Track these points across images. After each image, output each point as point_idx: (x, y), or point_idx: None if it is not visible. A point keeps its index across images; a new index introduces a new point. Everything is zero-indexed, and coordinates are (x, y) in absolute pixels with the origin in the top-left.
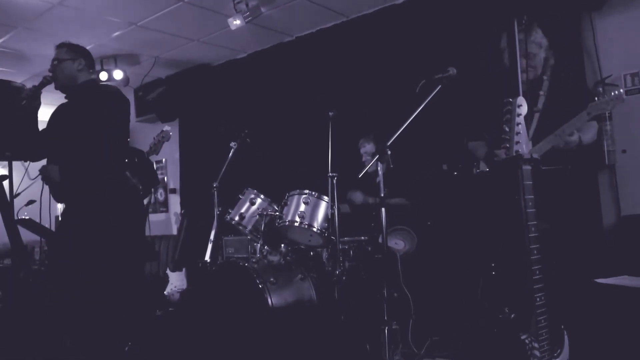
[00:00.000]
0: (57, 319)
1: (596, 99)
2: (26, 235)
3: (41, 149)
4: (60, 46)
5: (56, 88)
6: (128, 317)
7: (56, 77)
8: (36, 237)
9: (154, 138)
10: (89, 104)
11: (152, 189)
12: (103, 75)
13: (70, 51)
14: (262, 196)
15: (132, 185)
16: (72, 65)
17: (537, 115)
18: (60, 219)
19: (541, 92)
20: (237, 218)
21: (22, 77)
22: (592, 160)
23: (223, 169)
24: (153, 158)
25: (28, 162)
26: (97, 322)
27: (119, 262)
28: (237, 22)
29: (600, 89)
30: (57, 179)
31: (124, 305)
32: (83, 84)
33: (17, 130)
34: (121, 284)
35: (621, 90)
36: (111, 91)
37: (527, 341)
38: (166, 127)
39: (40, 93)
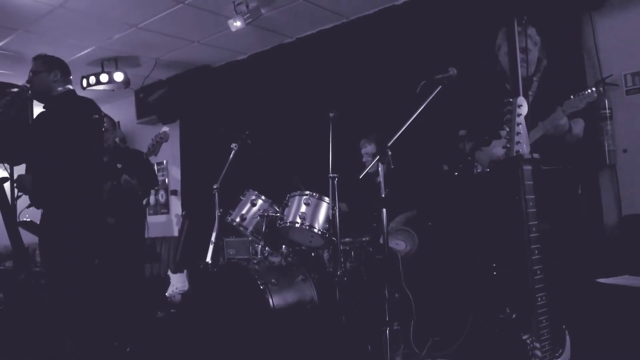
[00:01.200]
0: (57, 320)
1: (571, 97)
2: (27, 237)
3: (20, 154)
4: (36, 58)
5: (32, 98)
6: (127, 318)
7: (33, 88)
8: (37, 240)
9: (153, 139)
10: (65, 114)
11: (152, 190)
12: (103, 77)
13: (45, 63)
14: (263, 197)
15: (131, 186)
16: (47, 77)
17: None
18: (39, 223)
19: (530, 93)
20: (238, 219)
21: (22, 80)
22: (593, 160)
23: (224, 171)
24: (152, 159)
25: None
26: (97, 323)
27: (117, 263)
28: (238, 23)
29: (601, 89)
30: (29, 188)
31: (123, 306)
32: (60, 95)
33: None
34: (121, 285)
35: (593, 89)
36: (86, 102)
37: (528, 341)
38: (165, 128)
39: (15, 103)
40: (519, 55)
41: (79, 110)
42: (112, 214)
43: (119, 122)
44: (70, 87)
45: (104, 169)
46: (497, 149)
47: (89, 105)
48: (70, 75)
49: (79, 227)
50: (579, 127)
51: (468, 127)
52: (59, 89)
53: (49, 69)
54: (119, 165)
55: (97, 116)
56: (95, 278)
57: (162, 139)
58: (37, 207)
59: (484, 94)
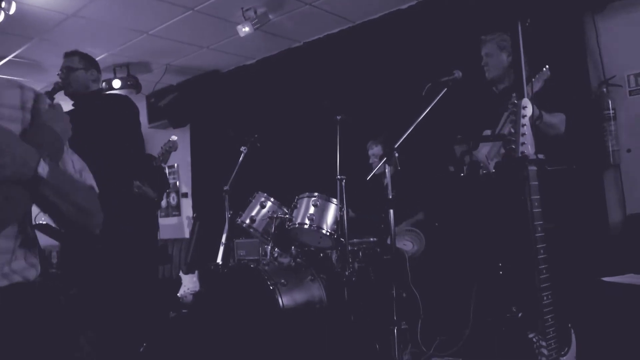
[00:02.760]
0: (73, 320)
1: (532, 79)
2: (43, 240)
3: None
4: (72, 54)
5: (66, 94)
6: (142, 319)
7: (68, 84)
8: (53, 242)
9: (162, 147)
10: (99, 112)
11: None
12: (116, 83)
13: (82, 60)
14: (272, 199)
15: (144, 191)
16: (85, 75)
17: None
18: None
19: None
20: (247, 221)
21: (37, 86)
22: (597, 160)
23: (234, 173)
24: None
25: None
26: (112, 323)
27: (133, 265)
28: (246, 29)
29: (604, 90)
30: None
31: (138, 307)
32: (92, 93)
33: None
34: (135, 286)
35: (547, 67)
36: (120, 98)
37: (534, 340)
38: (173, 137)
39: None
40: (523, 62)
41: (114, 107)
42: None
43: None
44: (100, 87)
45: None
46: (482, 151)
47: (124, 102)
48: (101, 75)
49: (132, 233)
50: (556, 118)
51: (461, 130)
52: (93, 88)
53: (87, 67)
54: None
55: (135, 111)
56: (111, 279)
57: (170, 147)
58: None
59: (474, 97)
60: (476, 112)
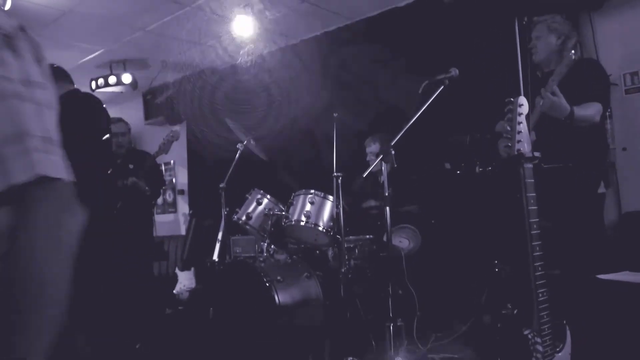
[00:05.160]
0: (68, 318)
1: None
2: None
3: None
4: None
5: None
6: (138, 316)
7: None
8: None
9: (164, 138)
10: (66, 114)
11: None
12: (112, 79)
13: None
14: (268, 196)
15: (140, 186)
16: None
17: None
18: None
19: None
20: (244, 218)
21: None
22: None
23: (230, 170)
24: (162, 158)
25: None
26: (108, 320)
27: (127, 262)
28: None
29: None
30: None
31: (133, 303)
32: (62, 97)
33: None
34: (130, 282)
35: (572, 52)
36: (84, 97)
37: (529, 336)
38: (176, 127)
39: None
40: (520, 60)
41: (80, 109)
42: (119, 211)
43: None
44: (70, 86)
45: (115, 167)
46: (501, 145)
47: (87, 100)
48: (62, 74)
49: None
50: (590, 110)
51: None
52: (61, 91)
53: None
54: (130, 166)
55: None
56: (106, 277)
57: (172, 137)
58: None
59: (491, 91)
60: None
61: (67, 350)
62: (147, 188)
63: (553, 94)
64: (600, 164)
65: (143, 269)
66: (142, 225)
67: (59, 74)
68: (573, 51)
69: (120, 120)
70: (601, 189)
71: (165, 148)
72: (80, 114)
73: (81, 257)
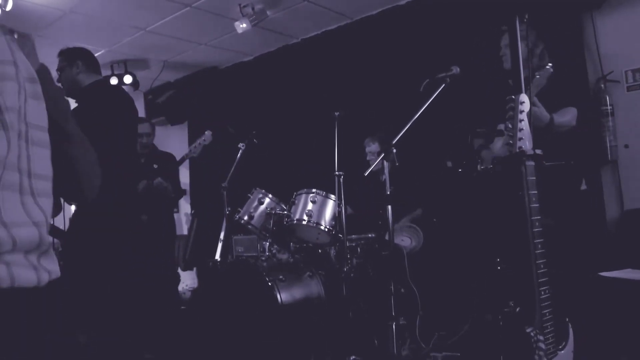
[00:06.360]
0: (71, 318)
1: (536, 75)
2: None
3: None
4: (59, 55)
5: (67, 96)
6: (143, 315)
7: (63, 86)
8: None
9: (197, 140)
10: (94, 107)
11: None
12: (113, 80)
13: (66, 57)
14: (270, 195)
15: (164, 188)
16: (70, 71)
17: None
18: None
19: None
20: (246, 217)
21: None
22: (595, 155)
23: (232, 170)
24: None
25: None
26: (111, 320)
27: (149, 261)
28: (244, 25)
29: (602, 86)
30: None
31: (157, 306)
32: (90, 86)
33: None
34: (153, 284)
35: (550, 65)
36: (114, 91)
37: (532, 334)
38: (207, 131)
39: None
40: (521, 58)
41: (108, 100)
42: (145, 211)
43: None
44: (99, 76)
45: (138, 164)
46: (497, 144)
47: (118, 94)
48: (94, 63)
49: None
50: (567, 116)
51: (478, 125)
52: (86, 80)
53: (71, 62)
54: (155, 166)
55: (128, 104)
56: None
57: (204, 141)
58: (70, 202)
59: (488, 91)
60: (491, 104)
61: (69, 350)
62: (171, 189)
63: (533, 104)
64: (582, 162)
65: (167, 269)
66: (166, 226)
67: (91, 62)
68: (550, 64)
69: (145, 120)
70: (583, 186)
71: (195, 150)
72: (110, 104)
73: (103, 254)
